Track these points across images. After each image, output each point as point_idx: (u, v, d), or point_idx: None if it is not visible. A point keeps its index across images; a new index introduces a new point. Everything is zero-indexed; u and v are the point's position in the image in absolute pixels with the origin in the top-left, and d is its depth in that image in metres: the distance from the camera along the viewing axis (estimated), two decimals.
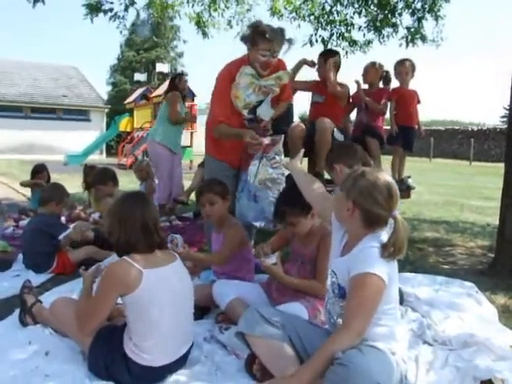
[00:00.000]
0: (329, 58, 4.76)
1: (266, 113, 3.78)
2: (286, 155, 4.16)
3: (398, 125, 5.15)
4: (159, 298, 2.09)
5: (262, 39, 3.43)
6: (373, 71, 5.18)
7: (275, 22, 9.67)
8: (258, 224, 3.60)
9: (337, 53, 5.14)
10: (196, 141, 16.71)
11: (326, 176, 4.41)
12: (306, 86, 5.11)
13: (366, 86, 5.20)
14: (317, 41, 7.97)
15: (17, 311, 2.90)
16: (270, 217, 3.45)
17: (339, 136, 4.71)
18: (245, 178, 3.63)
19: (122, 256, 2.15)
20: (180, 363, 2.22)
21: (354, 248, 1.96)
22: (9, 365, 2.28)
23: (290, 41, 3.60)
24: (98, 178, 5.10)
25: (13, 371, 2.23)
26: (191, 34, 52.26)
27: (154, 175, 6.41)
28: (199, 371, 2.27)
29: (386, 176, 2.01)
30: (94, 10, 7.30)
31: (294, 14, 8.21)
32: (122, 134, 21.25)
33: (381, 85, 5.28)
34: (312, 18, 8.11)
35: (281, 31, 3.53)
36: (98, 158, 21.53)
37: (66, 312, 2.41)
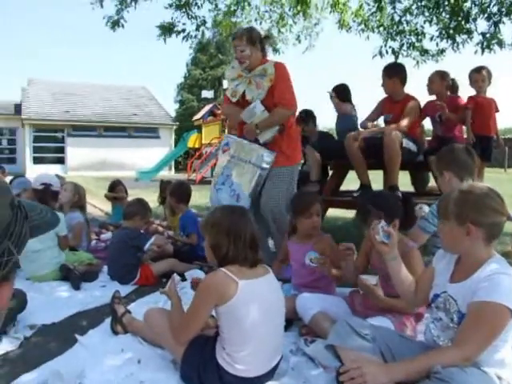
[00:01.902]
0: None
1: (247, 115, 3.90)
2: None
3: (475, 134, 4.99)
4: (253, 309, 2.12)
5: (232, 38, 3.93)
6: (438, 81, 5.05)
7: (343, 35, 9.67)
8: None
9: (402, 67, 5.04)
10: None
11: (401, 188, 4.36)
12: (377, 111, 5.08)
13: (433, 97, 5.10)
14: (387, 52, 7.89)
15: (107, 320, 3.06)
16: None
17: (411, 145, 4.64)
18: (227, 173, 3.92)
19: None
20: (270, 375, 2.25)
21: (477, 272, 1.84)
22: (105, 370, 2.40)
23: (266, 37, 3.97)
24: (174, 191, 5.20)
25: (109, 376, 2.34)
26: None
27: None
28: (288, 383, 2.28)
29: (478, 183, 1.96)
30: (167, 30, 7.62)
31: (362, 26, 8.18)
32: (190, 151, 21.78)
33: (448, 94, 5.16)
34: (381, 29, 8.05)
35: (246, 29, 3.95)
36: (168, 174, 22.19)
37: (159, 322, 2.51)
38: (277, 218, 3.93)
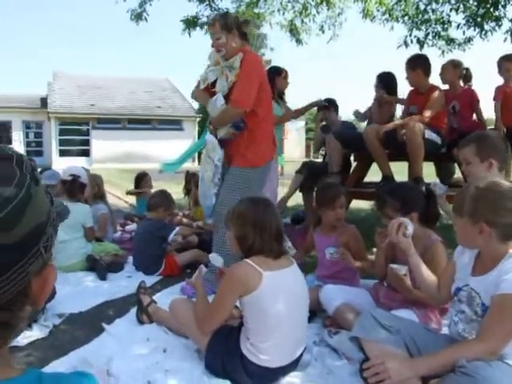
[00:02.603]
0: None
1: (210, 108, 3.74)
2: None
3: (505, 125, 4.88)
4: (277, 299, 2.14)
5: (207, 25, 3.75)
6: (450, 70, 4.95)
7: (367, 25, 9.57)
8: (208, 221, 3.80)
9: (425, 58, 4.94)
10: (287, 147, 16.82)
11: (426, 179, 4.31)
12: (405, 104, 5.03)
13: (446, 86, 5.01)
14: (412, 41, 7.77)
15: (133, 310, 3.11)
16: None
17: (434, 137, 4.58)
18: (202, 171, 3.80)
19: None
20: (293, 365, 2.26)
21: (498, 265, 1.81)
22: (132, 359, 2.45)
23: (245, 23, 3.66)
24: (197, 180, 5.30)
25: (136, 365, 2.38)
26: (278, 41, 52.95)
27: None
28: (311, 374, 2.30)
29: (498, 179, 1.87)
30: (191, 24, 7.66)
31: (386, 16, 8.06)
32: None
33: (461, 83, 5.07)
34: (406, 18, 7.93)
35: (220, 15, 3.69)
36: (191, 166, 22.26)
37: (184, 312, 2.54)
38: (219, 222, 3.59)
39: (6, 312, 0.62)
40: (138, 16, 7.44)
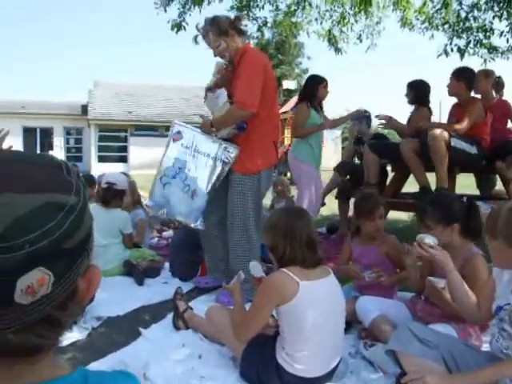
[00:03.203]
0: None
1: (210, 104, 3.64)
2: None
3: None
4: (313, 309, 2.13)
5: (202, 36, 3.49)
6: (482, 80, 4.84)
7: (405, 34, 9.45)
8: (192, 224, 3.52)
9: (471, 73, 4.81)
10: (323, 156, 16.75)
11: None
12: (448, 116, 4.95)
13: (478, 96, 4.91)
14: (452, 50, 7.64)
15: (169, 315, 3.16)
16: (202, 220, 3.48)
17: (465, 146, 4.49)
18: (180, 166, 3.47)
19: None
20: (329, 376, 2.25)
21: None
22: (168, 364, 2.49)
23: (236, 19, 3.41)
24: None
25: (171, 370, 2.42)
26: (316, 50, 52.95)
27: (289, 192, 6.53)
28: None
29: None
30: None
31: (426, 24, 7.95)
32: None
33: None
34: (446, 26, 7.79)
35: (210, 22, 3.38)
36: None
37: (221, 319, 2.57)
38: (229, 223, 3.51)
39: (57, 311, 0.64)
40: (177, 26, 7.57)
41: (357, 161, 6.34)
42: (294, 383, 2.16)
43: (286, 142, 18.30)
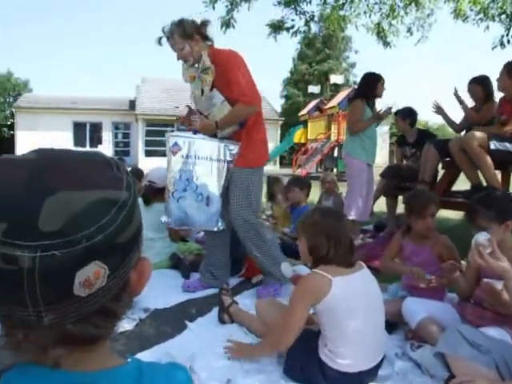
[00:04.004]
0: None
1: (205, 105, 3.49)
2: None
3: None
4: (350, 304, 2.12)
5: (166, 38, 3.38)
6: (504, 75, 4.61)
7: (459, 25, 9.15)
8: (215, 228, 3.51)
9: None
10: None
11: None
12: (496, 110, 4.80)
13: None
14: (509, 42, 7.35)
15: (215, 309, 3.20)
16: (223, 221, 3.46)
17: (506, 146, 4.33)
18: (187, 177, 3.42)
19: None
20: (372, 374, 2.23)
21: None
22: (213, 357, 2.51)
23: (203, 24, 3.36)
24: (294, 182, 5.51)
25: (216, 363, 2.45)
26: (362, 43, 52.16)
27: (338, 189, 6.50)
28: None
29: None
30: (276, 28, 7.73)
31: (481, 15, 7.67)
32: (295, 146, 21.86)
33: None
34: (503, 16, 7.50)
35: (175, 24, 3.30)
36: (272, 169, 22.45)
37: (269, 313, 2.59)
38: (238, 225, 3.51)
39: (112, 303, 0.67)
40: (225, 24, 7.60)
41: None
42: (337, 379, 2.15)
43: (333, 137, 18.12)
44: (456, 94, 5.39)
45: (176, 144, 3.45)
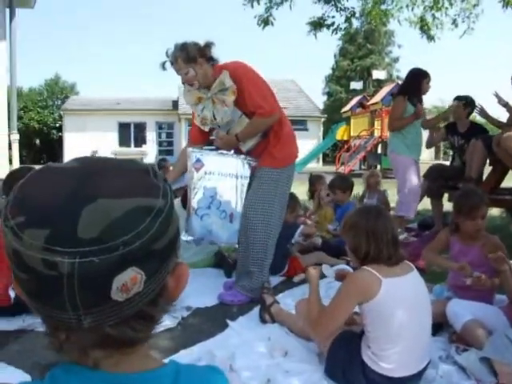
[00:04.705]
0: None
1: (224, 123, 3.42)
2: None
3: None
4: (398, 307, 2.07)
5: (170, 63, 3.31)
6: None
7: (508, 15, 8.80)
8: (237, 245, 3.51)
9: None
10: None
11: None
12: None
13: None
14: None
15: (256, 308, 3.20)
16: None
17: None
18: (210, 194, 3.38)
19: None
20: (416, 379, 2.17)
21: None
22: (254, 357, 2.52)
23: (206, 46, 3.28)
24: (338, 184, 5.44)
25: (257, 363, 2.45)
26: (406, 38, 51.03)
27: (381, 186, 6.41)
28: None
29: None
30: (317, 26, 7.68)
31: None
32: (338, 143, 21.66)
33: None
34: None
35: (178, 49, 3.24)
36: (315, 166, 22.35)
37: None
38: (249, 226, 3.38)
39: (149, 307, 0.69)
40: (264, 21, 7.61)
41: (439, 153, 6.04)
42: (379, 382, 2.11)
43: (376, 134, 17.86)
44: (497, 96, 5.22)
45: (199, 160, 3.44)
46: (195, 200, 3.43)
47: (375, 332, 2.12)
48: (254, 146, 3.48)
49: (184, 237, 3.43)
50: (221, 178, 3.44)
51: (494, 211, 6.35)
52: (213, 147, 3.59)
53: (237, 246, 3.51)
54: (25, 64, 58.50)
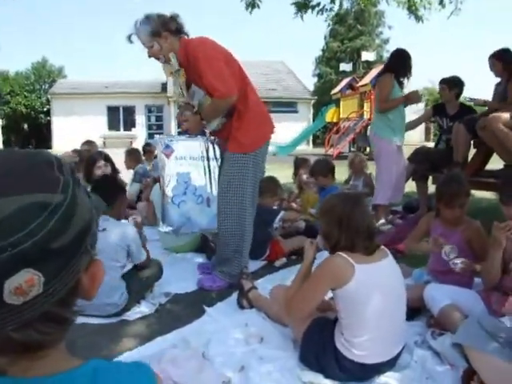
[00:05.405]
0: None
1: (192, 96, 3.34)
2: None
3: None
4: (371, 293, 2.04)
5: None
6: None
7: None
8: (217, 230, 3.40)
9: None
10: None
11: None
12: None
13: None
14: None
15: (235, 294, 3.17)
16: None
17: None
18: (184, 180, 3.32)
19: None
20: (390, 364, 2.16)
21: None
22: (229, 343, 2.50)
23: (172, 18, 3.17)
24: (318, 169, 5.26)
25: (232, 349, 2.43)
26: (396, 19, 50.61)
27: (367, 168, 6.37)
28: (409, 376, 2.16)
29: None
30: (302, 7, 7.56)
31: None
32: (328, 125, 21.60)
33: None
34: None
35: (141, 23, 3.13)
36: (305, 149, 22.30)
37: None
38: (223, 215, 3.35)
39: (62, 308, 0.66)
40: (251, 4, 7.48)
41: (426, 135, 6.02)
42: (352, 369, 2.09)
43: (366, 116, 17.78)
44: (472, 100, 5.20)
45: (168, 146, 3.39)
46: (169, 188, 3.38)
47: (348, 318, 2.09)
48: (218, 127, 3.38)
49: (162, 228, 3.38)
50: (192, 163, 3.39)
51: (482, 194, 6.33)
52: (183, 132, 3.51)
53: (216, 231, 3.45)
54: (11, 47, 57.74)
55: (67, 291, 0.65)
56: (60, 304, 0.65)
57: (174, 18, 3.19)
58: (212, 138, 3.39)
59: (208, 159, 3.38)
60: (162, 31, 3.13)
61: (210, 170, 3.38)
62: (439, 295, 2.56)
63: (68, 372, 0.69)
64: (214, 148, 3.37)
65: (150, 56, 3.24)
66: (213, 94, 3.11)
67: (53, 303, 0.63)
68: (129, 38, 3.17)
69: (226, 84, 3.08)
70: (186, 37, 3.24)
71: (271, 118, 3.54)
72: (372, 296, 2.05)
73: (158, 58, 3.24)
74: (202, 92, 3.25)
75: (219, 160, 3.38)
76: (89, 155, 4.91)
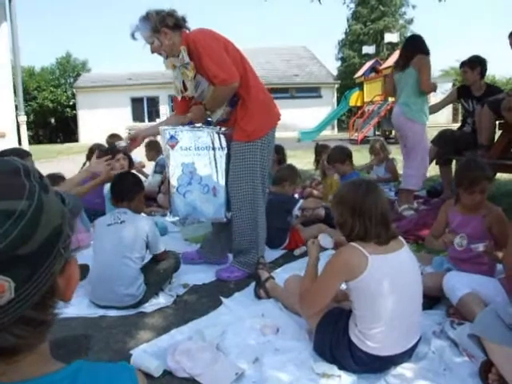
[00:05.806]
0: None
1: (193, 88, 3.33)
2: None
3: None
4: (385, 285, 1.99)
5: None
6: None
7: None
8: (224, 219, 3.39)
9: None
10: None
11: None
12: None
13: None
14: None
15: (252, 284, 3.15)
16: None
17: None
18: (189, 170, 3.29)
19: None
20: (405, 356, 2.11)
21: None
22: (245, 334, 2.48)
23: (169, 14, 3.16)
24: (335, 156, 5.16)
25: (247, 340, 2.41)
26: None
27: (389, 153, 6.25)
28: (425, 368, 2.11)
29: None
30: None
31: None
32: (353, 109, 21.31)
33: None
34: None
35: (141, 21, 3.15)
36: (330, 134, 22.08)
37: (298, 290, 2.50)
38: (235, 206, 3.36)
39: (38, 312, 0.66)
40: None
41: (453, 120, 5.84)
42: (366, 361, 2.05)
43: (390, 99, 17.47)
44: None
45: (173, 137, 3.37)
46: (174, 178, 3.38)
47: (361, 310, 2.05)
48: (223, 116, 3.38)
49: (169, 218, 3.39)
50: (198, 153, 3.36)
51: (507, 176, 6.16)
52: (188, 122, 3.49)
53: (224, 220, 3.43)
54: (36, 43, 58.51)
55: (42, 295, 0.65)
56: (35, 308, 0.65)
57: (170, 14, 3.21)
58: (218, 127, 3.37)
59: (214, 149, 3.36)
60: (160, 27, 3.16)
61: (215, 160, 3.35)
62: (459, 284, 2.49)
63: (45, 376, 0.69)
64: (219, 137, 3.34)
65: (152, 52, 3.27)
66: (214, 81, 3.14)
67: (26, 307, 0.63)
68: (132, 35, 3.21)
69: (227, 70, 3.10)
70: (187, 31, 3.26)
71: (276, 105, 3.53)
72: (386, 287, 1.99)
73: (160, 54, 3.28)
74: (206, 82, 3.25)
75: (225, 149, 3.37)
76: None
